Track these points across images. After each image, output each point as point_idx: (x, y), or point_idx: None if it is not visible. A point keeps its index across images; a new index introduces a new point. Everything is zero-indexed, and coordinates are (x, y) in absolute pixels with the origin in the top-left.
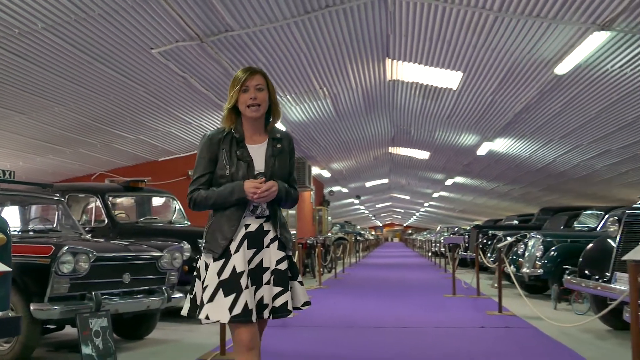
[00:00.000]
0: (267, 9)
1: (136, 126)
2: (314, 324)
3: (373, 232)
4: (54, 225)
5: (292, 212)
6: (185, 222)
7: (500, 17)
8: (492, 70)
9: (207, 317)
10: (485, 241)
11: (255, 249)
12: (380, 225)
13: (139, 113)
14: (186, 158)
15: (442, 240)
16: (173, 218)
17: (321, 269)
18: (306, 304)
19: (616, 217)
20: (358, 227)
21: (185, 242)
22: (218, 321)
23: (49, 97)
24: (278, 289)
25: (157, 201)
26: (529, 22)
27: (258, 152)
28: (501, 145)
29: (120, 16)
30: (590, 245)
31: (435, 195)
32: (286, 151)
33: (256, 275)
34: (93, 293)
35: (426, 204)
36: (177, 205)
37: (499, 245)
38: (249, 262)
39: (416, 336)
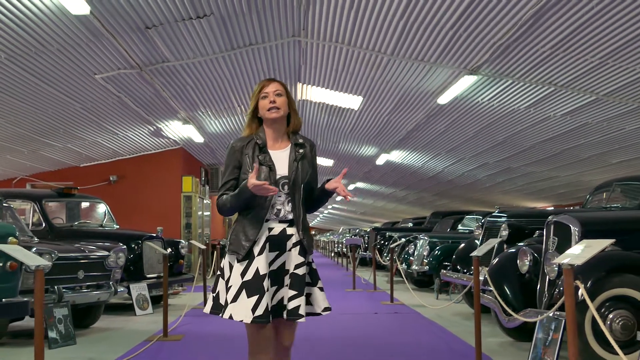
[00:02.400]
0: (200, 45)
1: (66, 136)
2: None
3: None
4: None
5: (206, 213)
6: (115, 225)
7: (393, 59)
8: (387, 97)
9: (230, 317)
10: (382, 242)
11: (277, 252)
12: None
13: (71, 125)
14: (108, 164)
15: (344, 242)
16: (104, 222)
17: None
18: (326, 309)
19: (481, 222)
20: None
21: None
22: (241, 321)
23: None
24: (293, 292)
25: (87, 206)
26: (415, 64)
27: (281, 157)
28: (397, 156)
29: (74, 49)
30: (462, 245)
31: (338, 198)
32: (309, 156)
33: (278, 276)
34: (55, 287)
35: (329, 206)
36: (106, 209)
37: (391, 246)
38: (271, 264)
39: (322, 321)
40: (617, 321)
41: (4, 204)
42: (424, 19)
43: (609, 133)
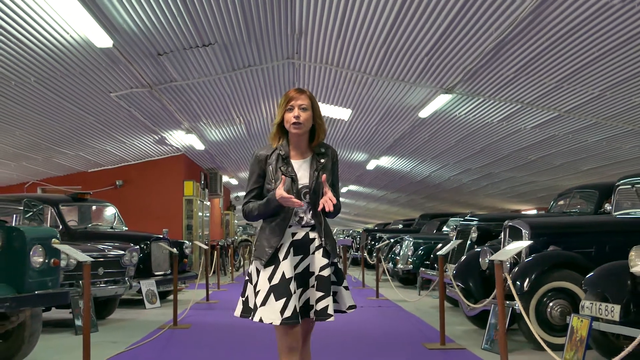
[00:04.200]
0: (204, 67)
1: (79, 145)
2: (232, 307)
3: None
4: None
5: (205, 215)
6: (124, 227)
7: (377, 79)
8: (374, 110)
9: (260, 320)
10: (372, 242)
11: (301, 256)
12: None
13: (85, 135)
14: (114, 169)
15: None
16: (114, 224)
17: (232, 267)
18: (351, 307)
19: (455, 225)
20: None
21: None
22: (271, 323)
23: (14, 124)
24: (320, 294)
25: (98, 209)
26: (396, 83)
27: (302, 167)
28: (386, 161)
29: (94, 73)
30: (439, 245)
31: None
32: (329, 165)
33: (303, 279)
34: (80, 282)
35: None
36: (116, 212)
37: (377, 247)
38: (296, 267)
39: None
40: (556, 308)
41: (34, 210)
42: (403, 45)
43: (575, 144)
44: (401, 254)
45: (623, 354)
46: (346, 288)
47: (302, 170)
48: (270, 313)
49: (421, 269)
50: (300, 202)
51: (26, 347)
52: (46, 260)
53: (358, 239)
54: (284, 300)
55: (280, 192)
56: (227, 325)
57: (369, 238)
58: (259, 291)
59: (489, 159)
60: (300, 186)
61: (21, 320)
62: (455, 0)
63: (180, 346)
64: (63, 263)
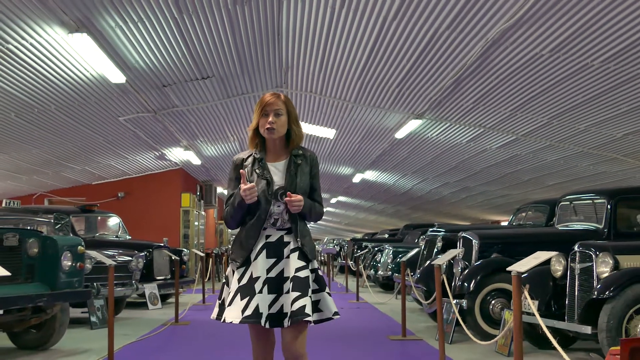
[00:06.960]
0: (203, 95)
1: (86, 161)
2: None
3: None
4: None
5: (201, 225)
6: (127, 236)
7: (356, 105)
8: (355, 131)
9: (224, 320)
10: (358, 251)
11: (275, 259)
12: None
13: (92, 152)
14: (117, 182)
15: (321, 250)
16: (118, 233)
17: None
18: (336, 313)
19: (424, 235)
20: None
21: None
22: (231, 322)
23: (33, 144)
24: (296, 294)
25: (104, 220)
26: (373, 109)
27: (278, 169)
28: (371, 175)
29: (107, 102)
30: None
31: (323, 210)
32: (306, 168)
33: (277, 284)
34: (95, 284)
35: None
36: (120, 222)
37: (356, 255)
38: (270, 270)
39: None
40: (498, 306)
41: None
42: (376, 78)
43: (537, 162)
44: (382, 261)
45: (501, 334)
46: (328, 294)
47: (278, 172)
48: (233, 312)
49: (395, 274)
50: (253, 184)
51: (56, 336)
52: (73, 264)
53: (345, 247)
54: (247, 298)
55: (242, 186)
56: (222, 323)
57: (355, 247)
58: (230, 292)
59: (463, 174)
60: (276, 187)
61: (54, 313)
62: (418, 43)
63: (183, 338)
64: None
